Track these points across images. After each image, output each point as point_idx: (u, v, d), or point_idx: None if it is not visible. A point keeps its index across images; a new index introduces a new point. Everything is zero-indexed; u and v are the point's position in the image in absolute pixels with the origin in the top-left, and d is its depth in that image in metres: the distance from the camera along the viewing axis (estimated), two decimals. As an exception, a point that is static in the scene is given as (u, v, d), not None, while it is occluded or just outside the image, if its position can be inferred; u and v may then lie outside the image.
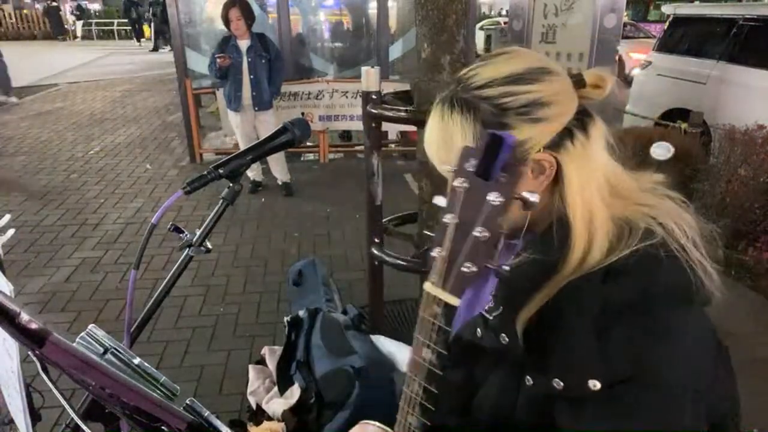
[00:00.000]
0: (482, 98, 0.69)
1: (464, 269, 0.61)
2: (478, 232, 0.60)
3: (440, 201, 0.63)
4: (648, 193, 0.74)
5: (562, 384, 0.66)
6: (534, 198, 0.60)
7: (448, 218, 0.62)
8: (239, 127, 4.51)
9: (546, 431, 0.70)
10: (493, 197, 0.58)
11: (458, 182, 0.61)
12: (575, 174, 0.69)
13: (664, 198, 0.73)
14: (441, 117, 0.72)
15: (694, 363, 0.65)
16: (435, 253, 0.63)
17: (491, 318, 0.75)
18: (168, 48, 17.02)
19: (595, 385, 0.63)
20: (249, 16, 4.20)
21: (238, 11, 4.11)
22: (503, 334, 0.72)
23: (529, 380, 0.70)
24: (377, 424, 0.94)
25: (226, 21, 4.17)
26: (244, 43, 4.24)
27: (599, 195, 0.70)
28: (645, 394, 0.62)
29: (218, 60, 4.10)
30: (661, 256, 0.64)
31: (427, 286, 0.64)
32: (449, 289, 0.63)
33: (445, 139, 0.71)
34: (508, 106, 0.68)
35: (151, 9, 17.17)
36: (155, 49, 17.22)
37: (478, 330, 0.77)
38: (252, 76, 4.30)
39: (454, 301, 0.62)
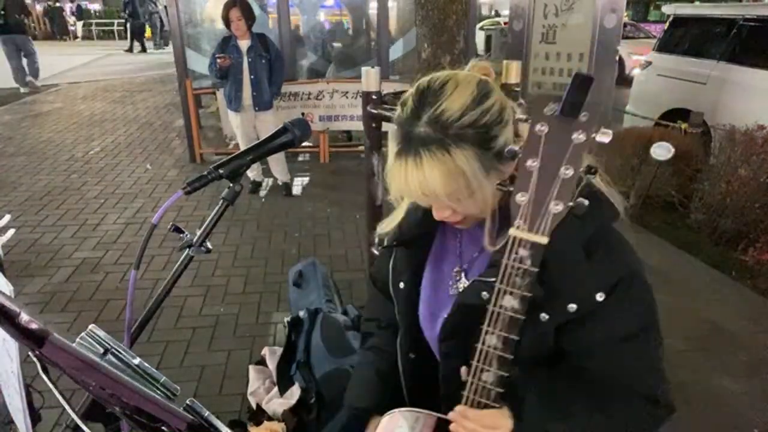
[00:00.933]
0: (466, 126, 0.77)
1: (554, 209, 0.66)
2: (564, 171, 0.65)
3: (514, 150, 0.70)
4: None
5: (575, 307, 0.81)
6: (607, 138, 0.68)
7: (530, 163, 0.67)
8: (239, 128, 4.51)
9: (545, 359, 0.87)
10: (578, 135, 0.64)
11: (538, 128, 0.66)
12: None
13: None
14: (435, 160, 0.77)
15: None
16: (519, 198, 0.69)
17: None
18: (143, 48, 16.63)
19: (600, 296, 0.80)
20: (249, 17, 4.20)
21: (238, 11, 4.12)
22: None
23: (544, 317, 0.82)
24: (406, 408, 0.99)
25: (227, 21, 4.17)
26: (244, 44, 4.25)
27: None
28: (636, 288, 0.83)
29: (218, 61, 4.10)
30: (598, 196, 0.82)
31: (514, 232, 0.69)
32: (540, 230, 0.68)
33: (453, 175, 0.77)
34: (489, 122, 0.78)
35: (126, 9, 16.67)
36: (130, 49, 16.70)
37: (483, 293, 0.83)
38: (252, 77, 4.30)
39: (544, 240, 0.69)
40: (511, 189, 0.72)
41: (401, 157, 0.80)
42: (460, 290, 0.96)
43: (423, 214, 0.96)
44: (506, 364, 0.75)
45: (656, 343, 0.86)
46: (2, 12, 8.88)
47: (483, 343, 0.76)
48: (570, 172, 0.66)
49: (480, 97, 0.78)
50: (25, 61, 9.62)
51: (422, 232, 1.00)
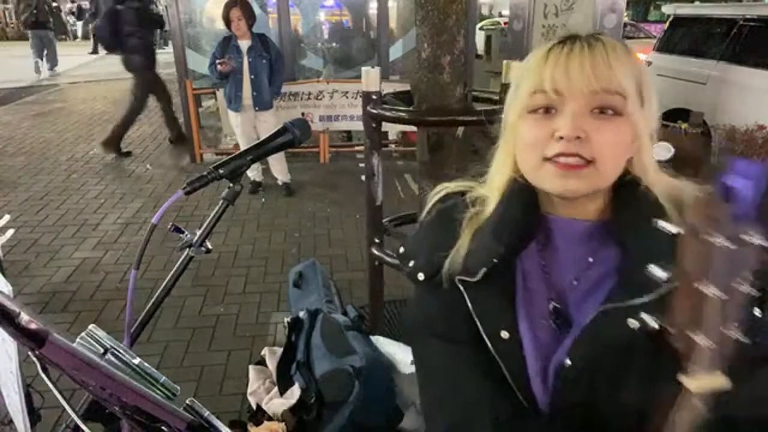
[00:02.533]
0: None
1: (735, 337, 0.50)
2: (744, 285, 0.49)
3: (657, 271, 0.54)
4: None
5: None
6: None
7: (710, 292, 0.49)
8: (239, 127, 4.51)
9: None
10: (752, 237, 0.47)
11: (718, 242, 0.48)
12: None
13: None
14: (613, 44, 0.69)
15: None
16: (697, 340, 0.51)
17: (649, 297, 0.64)
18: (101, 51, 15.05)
19: None
20: (250, 17, 4.20)
21: (239, 11, 4.11)
22: None
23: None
24: None
25: (227, 21, 4.17)
26: (244, 43, 4.24)
27: None
28: None
29: (219, 66, 4.10)
30: None
31: (692, 384, 0.52)
32: (721, 368, 0.52)
33: (632, 67, 0.69)
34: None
35: (90, 6, 15.62)
36: (95, 51, 15.59)
37: (630, 321, 0.65)
38: (253, 77, 4.29)
39: (724, 383, 0.52)
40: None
41: (562, 44, 0.70)
42: (586, 322, 0.72)
43: (504, 230, 0.75)
44: None
45: None
46: (35, 11, 10.50)
47: None
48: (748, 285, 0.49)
49: None
50: (45, 52, 11.18)
51: (505, 255, 0.75)
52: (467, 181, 0.86)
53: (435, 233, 0.83)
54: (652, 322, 0.60)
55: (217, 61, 4.12)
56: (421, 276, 0.81)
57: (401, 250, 0.87)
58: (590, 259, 0.76)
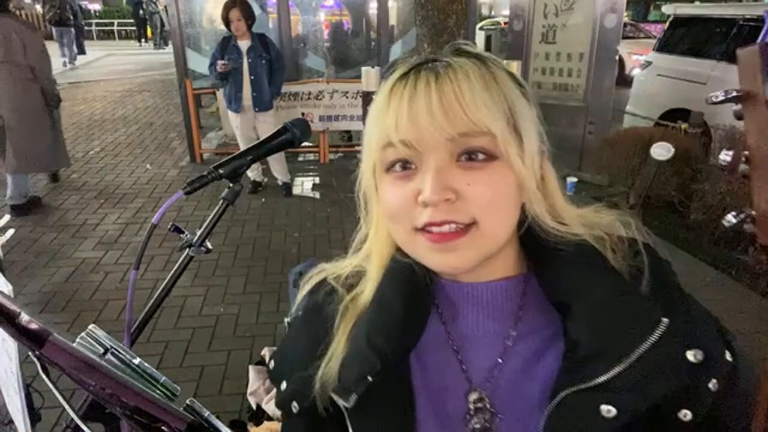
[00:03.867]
0: (501, 68, 0.56)
1: None
2: None
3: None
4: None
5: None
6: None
7: None
8: (239, 128, 4.51)
9: None
10: None
11: None
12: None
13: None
14: (472, 68, 0.53)
15: None
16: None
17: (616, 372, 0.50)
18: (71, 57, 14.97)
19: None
20: (249, 17, 4.19)
21: (238, 12, 4.11)
22: (694, 351, 0.51)
23: (687, 414, 0.51)
24: None
25: (227, 21, 4.16)
26: (244, 44, 4.24)
27: None
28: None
29: (219, 68, 4.09)
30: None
31: None
32: None
33: (496, 97, 0.53)
34: (524, 84, 0.58)
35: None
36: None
37: (603, 407, 0.50)
38: (252, 77, 4.29)
39: None
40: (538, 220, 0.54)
41: (406, 76, 0.54)
42: (545, 414, 0.53)
43: (379, 332, 0.57)
44: None
45: None
46: (58, 10, 12.15)
47: None
48: None
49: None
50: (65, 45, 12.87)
51: (385, 364, 0.55)
52: (353, 257, 0.67)
53: (303, 340, 0.64)
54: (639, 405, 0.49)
55: (219, 62, 4.12)
56: (295, 407, 0.60)
57: (271, 365, 0.67)
58: (513, 332, 0.58)
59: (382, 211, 0.58)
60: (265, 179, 4.96)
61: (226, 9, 4.12)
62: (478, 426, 0.56)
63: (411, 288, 0.59)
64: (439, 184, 0.51)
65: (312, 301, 0.66)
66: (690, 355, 0.50)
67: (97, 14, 23.42)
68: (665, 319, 0.50)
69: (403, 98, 0.53)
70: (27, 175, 4.35)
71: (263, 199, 4.72)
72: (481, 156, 0.52)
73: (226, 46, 4.23)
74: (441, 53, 0.57)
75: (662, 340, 0.49)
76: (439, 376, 0.59)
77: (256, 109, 4.38)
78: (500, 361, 0.58)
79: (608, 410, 0.49)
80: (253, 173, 4.84)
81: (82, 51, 13.73)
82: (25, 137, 4.05)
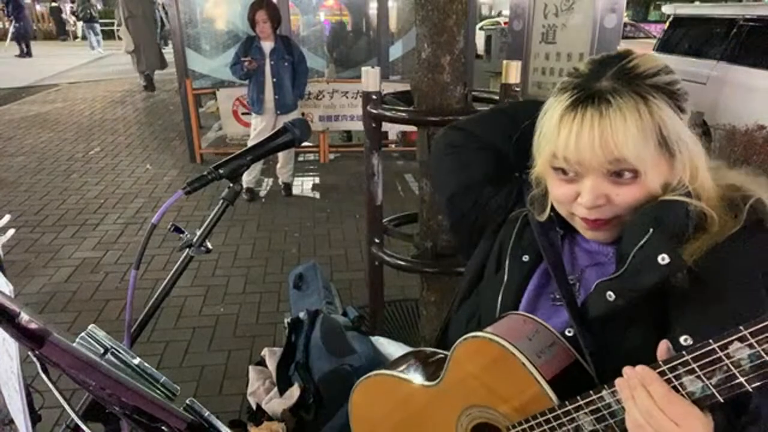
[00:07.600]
0: (663, 85, 0.70)
1: None
2: None
3: None
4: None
5: None
6: None
7: None
8: (257, 130, 4.39)
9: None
10: None
11: None
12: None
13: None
14: (628, 107, 0.68)
15: None
16: None
17: (625, 268, 0.70)
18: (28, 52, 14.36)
19: None
20: (275, 19, 4.12)
21: (265, 14, 4.03)
22: (662, 255, 0.66)
23: (688, 339, 0.65)
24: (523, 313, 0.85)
25: (252, 22, 4.10)
26: (267, 45, 4.16)
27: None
28: None
29: (245, 64, 4.03)
30: None
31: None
32: None
33: (648, 129, 0.68)
34: (682, 93, 0.72)
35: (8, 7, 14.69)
36: (27, 54, 14.55)
37: (609, 293, 0.71)
38: (275, 79, 4.21)
39: None
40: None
41: (575, 109, 0.70)
42: (579, 300, 0.80)
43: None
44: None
45: None
46: (89, 10, 14.40)
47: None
48: None
49: (668, 69, 0.72)
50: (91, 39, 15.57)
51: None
52: None
53: None
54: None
55: (243, 60, 4.05)
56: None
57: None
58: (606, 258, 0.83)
59: (550, 189, 0.81)
60: (264, 181, 4.94)
61: (253, 10, 4.06)
62: (572, 282, 0.83)
63: None
64: (595, 196, 0.72)
65: None
66: (659, 259, 0.67)
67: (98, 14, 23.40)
68: (651, 230, 0.68)
69: (571, 132, 0.71)
70: None
71: (263, 199, 4.72)
72: (627, 175, 0.71)
73: (249, 47, 4.16)
74: (605, 78, 0.71)
75: (646, 244, 0.68)
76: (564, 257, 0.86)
77: (278, 112, 4.30)
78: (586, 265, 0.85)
79: (609, 294, 0.72)
80: (248, 178, 4.63)
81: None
82: None
